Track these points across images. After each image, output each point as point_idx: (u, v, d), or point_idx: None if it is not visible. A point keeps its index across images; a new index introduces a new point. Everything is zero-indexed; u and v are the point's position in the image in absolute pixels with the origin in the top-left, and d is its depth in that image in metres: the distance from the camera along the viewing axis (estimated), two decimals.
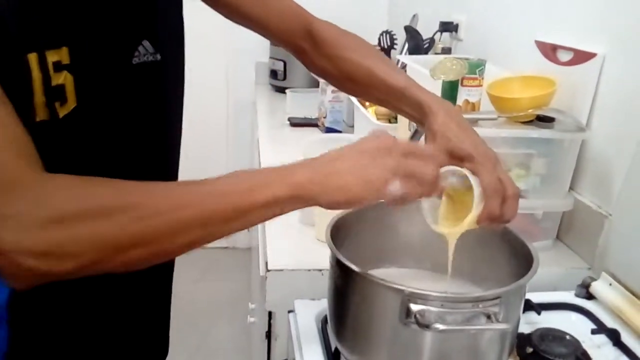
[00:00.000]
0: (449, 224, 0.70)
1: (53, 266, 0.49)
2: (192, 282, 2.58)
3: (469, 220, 0.66)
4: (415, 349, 0.63)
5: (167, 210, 0.52)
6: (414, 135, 1.00)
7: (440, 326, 0.57)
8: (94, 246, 0.50)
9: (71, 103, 0.59)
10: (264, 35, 0.88)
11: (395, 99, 0.79)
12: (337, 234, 0.73)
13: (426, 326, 0.57)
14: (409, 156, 0.57)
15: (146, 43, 0.67)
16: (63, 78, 0.58)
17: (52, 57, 0.56)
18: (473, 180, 0.65)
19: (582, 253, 1.04)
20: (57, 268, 0.49)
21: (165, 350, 0.92)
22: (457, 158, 0.69)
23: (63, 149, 0.60)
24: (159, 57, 0.69)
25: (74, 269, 0.50)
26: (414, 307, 0.59)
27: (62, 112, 0.59)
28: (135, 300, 0.80)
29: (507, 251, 0.77)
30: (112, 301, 0.76)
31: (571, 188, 1.08)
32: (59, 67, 0.57)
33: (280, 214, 0.56)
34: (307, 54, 0.87)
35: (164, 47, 0.70)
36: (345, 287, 0.68)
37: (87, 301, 0.72)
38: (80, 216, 0.50)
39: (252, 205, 0.53)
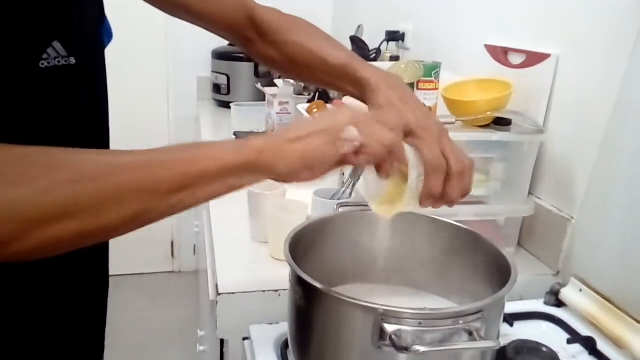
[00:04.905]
0: (389, 206, 0.63)
1: None
2: (137, 310, 2.42)
3: (404, 200, 0.60)
4: None
5: (102, 174, 0.45)
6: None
7: (421, 348, 0.50)
8: (11, 214, 0.41)
9: None
10: (208, 29, 0.81)
11: (337, 78, 0.75)
12: (296, 249, 0.66)
13: (404, 348, 0.50)
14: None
15: (57, 44, 0.57)
16: None
17: None
18: (412, 156, 0.59)
19: (545, 259, 1.01)
20: None
21: None
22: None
23: None
24: (73, 60, 0.59)
25: None
26: (389, 328, 0.52)
27: None
28: (66, 323, 0.69)
29: (477, 260, 0.72)
30: (40, 323, 0.65)
31: (530, 193, 1.05)
32: None
33: (235, 188, 0.50)
34: (254, 44, 0.82)
35: (79, 50, 0.59)
36: (309, 308, 0.61)
37: (8, 321, 0.61)
38: None
39: (201, 172, 0.48)
